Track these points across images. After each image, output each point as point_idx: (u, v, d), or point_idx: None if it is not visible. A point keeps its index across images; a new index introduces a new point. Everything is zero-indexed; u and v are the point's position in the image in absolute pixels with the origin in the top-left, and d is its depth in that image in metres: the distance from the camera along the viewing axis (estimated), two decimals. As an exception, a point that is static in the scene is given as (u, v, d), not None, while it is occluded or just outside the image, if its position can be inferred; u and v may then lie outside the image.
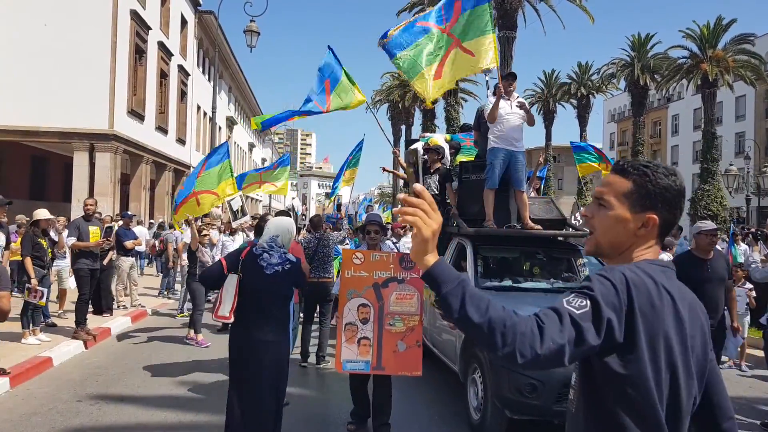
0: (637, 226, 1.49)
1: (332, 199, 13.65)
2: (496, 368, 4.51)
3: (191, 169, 22.31)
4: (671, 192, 1.48)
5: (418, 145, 8.25)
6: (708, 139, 30.88)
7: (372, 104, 38.70)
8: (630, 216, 1.49)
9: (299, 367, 6.91)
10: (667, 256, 8.47)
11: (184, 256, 9.45)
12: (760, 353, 6.87)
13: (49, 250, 7.90)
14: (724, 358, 7.48)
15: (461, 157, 8.62)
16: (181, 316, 10.12)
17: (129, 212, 12.43)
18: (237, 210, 10.07)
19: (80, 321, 7.81)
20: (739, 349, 7.81)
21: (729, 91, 32.38)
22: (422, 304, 4.61)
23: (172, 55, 24.75)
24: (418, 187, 1.39)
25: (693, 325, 1.44)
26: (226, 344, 4.13)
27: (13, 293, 8.92)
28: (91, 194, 17.02)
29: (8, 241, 9.63)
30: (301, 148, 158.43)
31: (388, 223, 6.27)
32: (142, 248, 12.82)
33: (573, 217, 8.21)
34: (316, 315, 7.55)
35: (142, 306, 10.74)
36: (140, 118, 20.99)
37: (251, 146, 49.63)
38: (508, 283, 5.91)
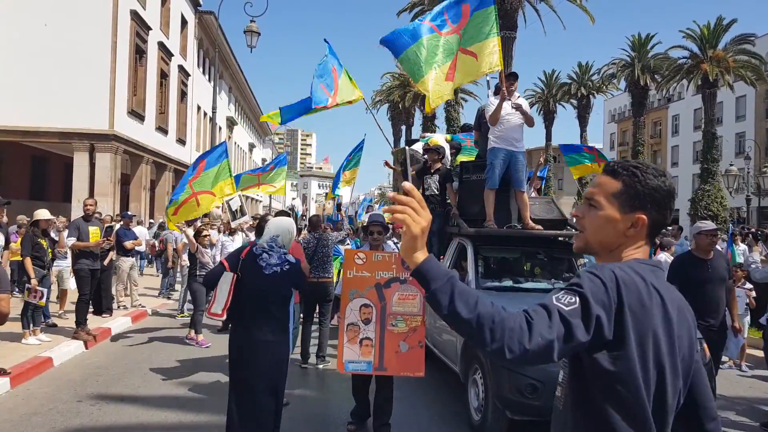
0: (627, 226, 1.50)
1: (332, 196, 13.51)
2: (496, 369, 4.50)
3: (191, 169, 22.23)
4: (660, 192, 1.49)
5: (419, 146, 8.26)
6: (708, 139, 30.93)
7: (372, 104, 38.74)
8: (619, 216, 1.50)
9: (299, 367, 6.91)
10: (666, 256, 8.48)
11: (185, 256, 9.46)
12: (760, 353, 6.87)
13: (50, 250, 7.90)
14: (724, 358, 7.46)
15: (462, 157, 8.63)
16: (181, 317, 10.11)
17: (129, 212, 12.44)
18: (236, 210, 10.05)
19: (80, 321, 7.81)
20: (739, 349, 7.81)
21: (729, 92, 32.41)
22: (425, 305, 4.58)
23: (173, 55, 24.74)
24: (407, 185, 1.40)
25: (680, 326, 1.45)
26: (226, 344, 4.13)
27: (14, 293, 8.97)
28: (91, 194, 17.01)
29: (8, 241, 9.63)
30: (301, 148, 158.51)
31: (389, 223, 6.26)
32: (142, 248, 12.81)
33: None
34: (315, 315, 7.55)
35: (143, 306, 10.74)
36: (140, 118, 20.98)
37: (251, 146, 49.61)
38: (509, 283, 5.91)
